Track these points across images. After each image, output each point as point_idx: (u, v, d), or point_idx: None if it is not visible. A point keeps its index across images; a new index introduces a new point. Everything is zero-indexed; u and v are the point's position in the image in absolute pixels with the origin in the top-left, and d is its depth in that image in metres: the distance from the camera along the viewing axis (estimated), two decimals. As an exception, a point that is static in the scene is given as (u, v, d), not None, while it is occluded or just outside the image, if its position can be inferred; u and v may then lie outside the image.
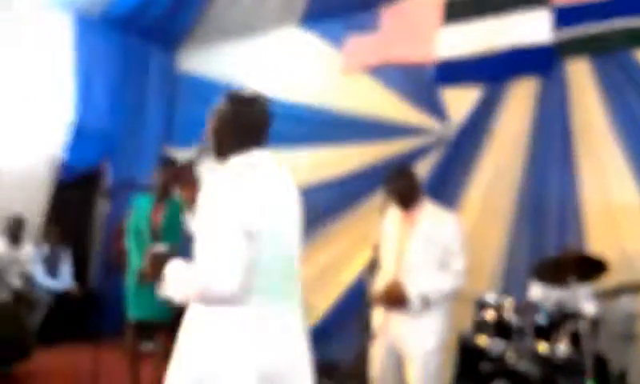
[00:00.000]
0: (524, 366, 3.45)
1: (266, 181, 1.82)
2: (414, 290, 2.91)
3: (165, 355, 3.99)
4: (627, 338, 3.93)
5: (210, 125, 1.93)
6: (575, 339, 3.36)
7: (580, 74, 4.43)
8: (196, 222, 1.82)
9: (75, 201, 6.53)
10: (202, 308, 1.76)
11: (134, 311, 3.98)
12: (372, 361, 3.01)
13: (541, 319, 3.54)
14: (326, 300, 5.58)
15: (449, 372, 3.75)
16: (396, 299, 2.94)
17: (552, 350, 3.41)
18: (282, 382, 1.76)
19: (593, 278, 3.65)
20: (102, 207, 6.63)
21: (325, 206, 5.59)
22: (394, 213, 3.15)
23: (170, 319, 3.98)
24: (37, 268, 5.78)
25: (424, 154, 5.09)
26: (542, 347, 3.45)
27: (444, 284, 2.95)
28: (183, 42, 6.91)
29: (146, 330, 4.08)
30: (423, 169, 4.93)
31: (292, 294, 1.87)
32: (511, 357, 3.52)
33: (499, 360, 3.59)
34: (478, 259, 4.02)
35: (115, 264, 5.40)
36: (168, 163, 4.29)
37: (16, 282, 5.52)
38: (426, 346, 2.92)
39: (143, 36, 6.69)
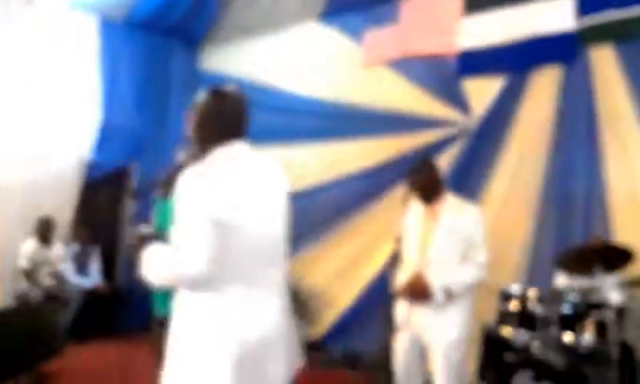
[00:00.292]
0: (549, 356, 3.43)
1: (243, 173, 1.91)
2: (436, 282, 2.92)
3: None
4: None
5: (191, 119, 2.00)
6: (601, 329, 3.33)
7: (604, 62, 4.35)
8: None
9: (103, 200, 6.68)
10: (184, 296, 1.87)
11: (161, 307, 4.05)
12: (395, 353, 3.03)
13: (566, 309, 3.51)
14: (350, 292, 5.61)
15: (473, 363, 3.74)
16: (419, 292, 2.95)
17: (577, 339, 3.38)
18: (257, 366, 1.84)
19: (618, 267, 3.60)
20: (129, 206, 6.75)
21: (347, 199, 5.64)
22: (416, 206, 3.15)
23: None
24: (67, 267, 5.93)
25: (446, 146, 5.07)
26: (568, 337, 3.42)
27: (467, 276, 2.95)
28: (205, 40, 7.00)
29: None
30: (446, 161, 4.91)
31: (269, 282, 1.93)
32: (536, 347, 3.50)
33: (524, 350, 3.57)
34: (502, 250, 4.02)
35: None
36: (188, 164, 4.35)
37: (47, 281, 5.67)
38: (449, 338, 2.93)
39: (166, 36, 6.80)
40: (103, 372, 4.70)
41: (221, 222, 1.77)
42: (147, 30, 6.61)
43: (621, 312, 3.42)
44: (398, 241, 2.96)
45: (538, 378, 3.36)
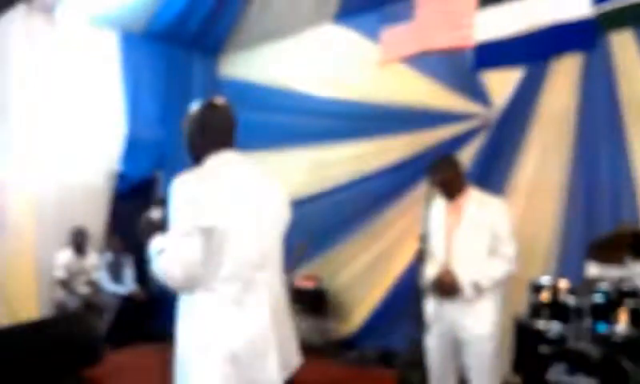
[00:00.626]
0: (583, 346, 3.43)
1: (231, 179, 1.99)
2: (465, 277, 2.94)
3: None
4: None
5: (184, 130, 2.11)
6: (635, 317, 3.32)
7: (625, 47, 4.28)
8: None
9: (132, 210, 6.81)
10: (184, 297, 1.99)
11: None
12: (428, 350, 3.06)
13: (598, 299, 3.50)
14: (379, 290, 5.66)
15: (506, 356, 3.76)
16: (447, 288, 2.98)
17: (611, 329, 3.37)
18: (247, 367, 1.91)
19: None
20: (156, 215, 6.87)
21: (372, 198, 5.68)
22: (439, 202, 3.18)
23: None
24: (102, 275, 6.09)
25: (468, 139, 5.07)
26: (601, 327, 3.41)
27: (495, 270, 2.97)
28: (224, 47, 7.08)
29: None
30: (468, 155, 4.92)
31: (260, 285, 1.98)
32: (570, 338, 3.51)
33: (558, 342, 3.58)
34: (530, 242, 4.03)
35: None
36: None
37: (84, 290, 5.83)
38: (481, 332, 2.95)
39: (185, 46, 6.90)
40: (142, 376, 4.82)
41: (208, 226, 1.86)
42: (167, 41, 6.72)
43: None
44: (423, 238, 2.98)
45: (572, 369, 3.37)
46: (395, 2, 5.55)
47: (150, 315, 6.24)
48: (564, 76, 4.60)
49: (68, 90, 6.06)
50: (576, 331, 3.51)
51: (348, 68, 5.95)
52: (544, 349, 3.63)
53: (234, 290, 1.92)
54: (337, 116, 5.90)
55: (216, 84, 7.27)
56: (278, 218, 2.13)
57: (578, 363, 3.38)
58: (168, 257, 1.90)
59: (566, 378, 3.41)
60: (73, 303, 5.65)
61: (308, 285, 5.93)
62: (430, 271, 3.03)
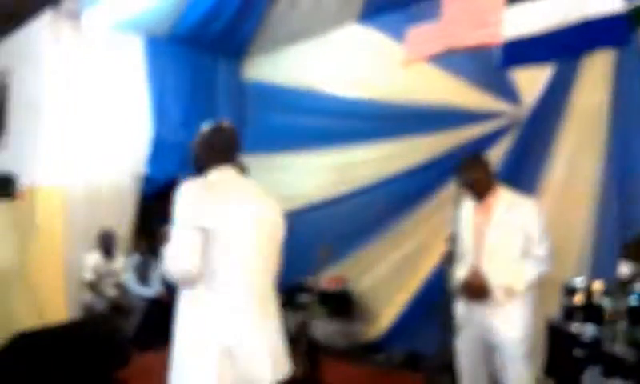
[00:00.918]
0: (619, 350, 3.32)
1: (230, 191, 2.26)
2: (495, 280, 2.88)
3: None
4: None
5: (194, 147, 2.42)
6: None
7: (658, 41, 4.17)
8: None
9: (158, 212, 6.87)
10: (183, 293, 2.20)
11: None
12: (459, 353, 3.00)
13: (633, 301, 3.39)
14: (406, 292, 5.59)
15: (538, 360, 3.66)
16: (477, 290, 2.92)
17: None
18: (241, 361, 2.09)
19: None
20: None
21: (398, 199, 5.61)
22: (468, 203, 3.11)
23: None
24: (129, 277, 6.14)
25: (497, 139, 4.97)
26: (638, 330, 3.30)
27: (527, 272, 2.90)
28: (248, 50, 7.09)
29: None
30: (497, 154, 4.82)
31: (254, 288, 2.20)
32: (604, 341, 3.40)
33: (592, 345, 3.47)
34: (562, 243, 3.91)
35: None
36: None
37: (112, 292, 5.89)
38: (514, 336, 2.88)
39: (210, 49, 6.94)
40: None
41: (207, 227, 2.10)
42: (191, 44, 6.76)
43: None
44: (451, 240, 2.92)
45: (608, 373, 3.26)
46: (420, 1, 5.49)
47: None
48: (595, 73, 4.47)
49: (95, 94, 6.15)
50: (611, 334, 3.39)
51: (373, 68, 5.90)
52: (578, 352, 3.51)
53: (230, 291, 2.13)
54: (362, 117, 5.86)
55: (240, 87, 7.31)
56: (274, 229, 2.37)
57: (613, 367, 3.27)
58: (168, 254, 2.12)
59: (600, 381, 3.30)
60: (100, 305, 5.71)
61: (334, 287, 5.89)
62: (460, 273, 2.97)
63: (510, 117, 4.93)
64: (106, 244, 5.89)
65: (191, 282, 2.12)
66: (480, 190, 3.02)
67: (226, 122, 2.45)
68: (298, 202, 6.26)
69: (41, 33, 6.04)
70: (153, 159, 6.46)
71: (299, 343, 4.46)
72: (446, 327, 2.86)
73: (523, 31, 4.71)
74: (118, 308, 5.78)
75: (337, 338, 5.93)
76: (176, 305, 2.29)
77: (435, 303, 4.95)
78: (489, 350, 2.99)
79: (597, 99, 4.44)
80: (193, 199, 2.14)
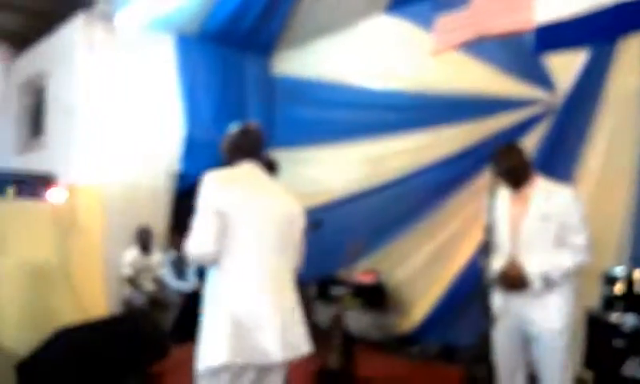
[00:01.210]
0: (662, 340, 3.24)
1: (244, 181, 2.47)
2: (533, 269, 2.83)
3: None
4: None
5: (223, 144, 2.65)
6: None
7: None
8: None
9: (192, 208, 6.98)
10: (209, 271, 2.42)
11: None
12: (496, 345, 2.96)
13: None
14: (440, 284, 5.55)
15: (577, 351, 3.60)
16: (515, 280, 2.88)
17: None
18: (248, 331, 2.28)
19: None
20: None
21: (432, 189, 5.57)
22: (504, 192, 3.07)
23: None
24: (166, 272, 6.26)
25: (531, 126, 4.87)
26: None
27: (565, 261, 2.84)
28: (276, 45, 7.13)
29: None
30: (532, 142, 4.73)
31: (267, 269, 2.39)
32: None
33: (633, 336, 3.39)
34: (601, 232, 3.82)
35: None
36: (265, 164, 4.46)
37: (150, 287, 6.02)
38: (552, 327, 2.83)
39: (239, 45, 6.99)
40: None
41: (224, 211, 2.31)
42: (220, 41, 6.83)
43: None
44: (488, 230, 2.88)
45: (651, 363, 3.19)
46: (449, -12, 5.42)
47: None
48: (632, 56, 4.34)
49: (129, 93, 6.28)
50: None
51: (402, 59, 5.86)
52: (618, 343, 3.45)
53: (244, 271, 2.34)
54: (392, 108, 5.83)
55: (269, 82, 7.35)
56: (290, 222, 2.54)
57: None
58: (190, 236, 2.34)
59: (643, 373, 3.23)
60: (139, 300, 5.84)
61: (367, 279, 5.89)
62: (496, 264, 2.93)
63: (544, 104, 4.83)
64: (143, 240, 6.02)
65: (210, 261, 2.35)
66: (516, 178, 2.97)
67: (254, 124, 2.67)
68: (330, 196, 6.28)
69: (75, 35, 6.19)
70: (186, 156, 6.57)
71: (334, 336, 4.48)
72: (484, 318, 2.82)
73: (556, 16, 4.60)
74: (156, 302, 5.91)
75: (371, 331, 5.94)
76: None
77: (470, 294, 4.93)
78: (526, 342, 2.94)
79: (633, 84, 4.31)
80: (213, 187, 2.36)
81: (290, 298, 2.47)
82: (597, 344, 3.62)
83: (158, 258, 6.17)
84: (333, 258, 5.80)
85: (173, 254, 6.41)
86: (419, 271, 5.80)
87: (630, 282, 3.47)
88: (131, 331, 4.60)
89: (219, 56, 6.96)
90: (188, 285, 6.36)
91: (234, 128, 2.64)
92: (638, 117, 4.28)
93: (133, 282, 5.90)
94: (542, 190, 2.96)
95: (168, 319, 5.85)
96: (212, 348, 2.27)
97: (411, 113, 5.72)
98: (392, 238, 5.93)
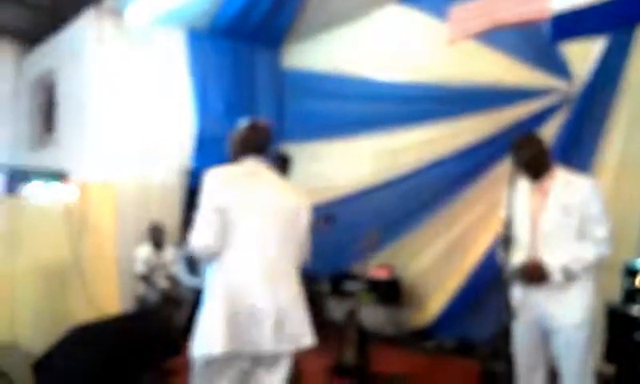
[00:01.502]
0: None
1: (246, 177, 2.53)
2: (553, 262, 2.76)
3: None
4: None
5: (230, 140, 2.67)
6: None
7: None
8: None
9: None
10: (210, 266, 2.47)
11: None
12: (515, 340, 2.90)
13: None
14: (456, 278, 5.49)
15: (598, 345, 3.52)
16: (535, 274, 2.81)
17: None
18: (245, 324, 2.35)
19: None
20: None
21: (447, 181, 5.51)
22: (523, 184, 2.99)
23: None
24: (179, 269, 6.25)
25: (548, 116, 4.79)
26: None
27: (586, 253, 2.76)
28: (287, 38, 7.07)
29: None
30: (550, 132, 4.65)
31: (264, 261, 2.44)
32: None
33: (656, 329, 3.32)
34: (621, 223, 3.72)
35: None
36: (277, 158, 4.43)
37: (163, 283, 6.00)
38: (572, 321, 2.76)
39: (249, 39, 6.95)
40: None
41: (222, 208, 2.38)
42: (231, 36, 6.79)
43: None
44: (507, 223, 2.80)
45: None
46: (463, -22, 5.31)
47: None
48: (650, 44, 4.24)
49: (139, 89, 6.26)
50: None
51: (415, 49, 5.77)
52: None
53: (242, 264, 2.40)
54: (406, 100, 5.75)
55: (280, 75, 7.30)
56: (293, 216, 2.57)
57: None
58: (192, 231, 2.41)
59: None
60: (153, 297, 5.83)
61: (382, 274, 5.84)
62: (516, 257, 2.86)
63: (561, 93, 4.74)
64: (156, 237, 6.00)
65: (212, 255, 2.41)
66: (537, 169, 2.89)
67: (262, 120, 2.72)
68: (342, 190, 6.23)
69: (84, 31, 6.18)
70: (197, 152, 6.55)
71: (348, 332, 4.44)
72: (504, 313, 2.76)
73: (573, 3, 4.49)
74: (170, 299, 5.89)
75: (386, 326, 5.89)
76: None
77: (487, 288, 4.87)
78: (546, 336, 2.88)
79: (654, 71, 4.21)
80: (214, 184, 2.42)
81: (291, 292, 2.51)
82: (618, 337, 3.56)
83: (171, 255, 6.15)
84: (346, 253, 5.77)
85: (186, 250, 6.39)
86: (434, 265, 5.73)
87: (652, 274, 3.38)
88: (145, 329, 4.59)
89: (230, 50, 6.92)
90: (201, 281, 6.34)
91: (242, 123, 2.67)
92: (659, 105, 4.18)
93: (146, 279, 5.89)
94: (562, 180, 2.88)
95: (182, 316, 5.83)
96: (207, 337, 2.36)
97: (425, 104, 5.64)
98: (406, 232, 5.87)
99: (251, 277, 2.41)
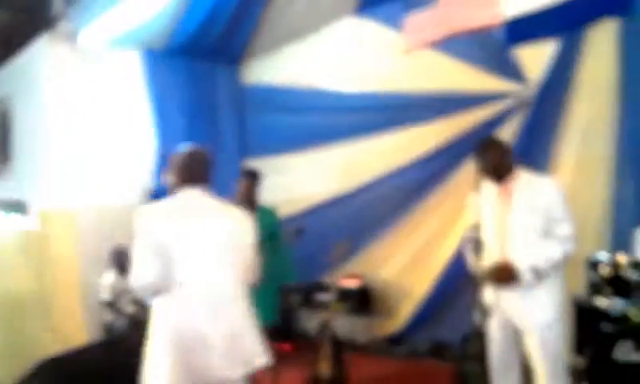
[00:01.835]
0: (651, 322, 3.27)
1: (185, 209, 2.52)
2: (522, 263, 2.83)
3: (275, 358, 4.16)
4: None
5: (168, 169, 2.66)
6: None
7: (663, 6, 4.10)
8: None
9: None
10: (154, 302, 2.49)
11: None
12: (489, 340, 2.95)
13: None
14: (425, 282, 5.54)
15: (568, 339, 3.61)
16: (505, 275, 2.87)
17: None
18: (191, 354, 2.33)
19: None
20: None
21: (410, 188, 5.58)
22: (487, 187, 3.06)
23: (276, 325, 4.14)
24: (146, 292, 6.12)
25: (505, 119, 4.91)
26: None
27: (553, 252, 2.85)
28: (246, 54, 7.05)
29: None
30: (507, 135, 4.74)
31: (207, 290, 2.44)
32: (634, 315, 3.35)
33: (622, 319, 3.42)
34: (580, 219, 3.84)
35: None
36: (248, 174, 4.42)
37: (130, 309, 5.86)
38: (543, 319, 2.84)
39: (208, 57, 6.90)
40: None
41: (162, 245, 2.37)
42: (189, 54, 6.72)
43: None
44: (476, 227, 2.86)
45: (641, 346, 3.21)
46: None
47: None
48: (601, 44, 4.40)
49: (97, 113, 6.14)
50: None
51: (374, 60, 5.84)
52: (607, 327, 3.47)
53: (189, 297, 2.39)
54: (367, 110, 5.81)
55: (241, 91, 7.27)
56: (237, 239, 2.59)
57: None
58: (131, 270, 2.41)
59: (634, 355, 3.25)
60: (121, 324, 5.68)
61: (352, 283, 5.86)
62: (486, 259, 2.92)
63: (517, 97, 4.87)
64: (120, 261, 5.85)
65: (156, 293, 2.41)
66: (500, 172, 2.97)
67: (201, 148, 2.70)
68: (309, 202, 6.24)
69: (39, 57, 6.04)
70: (159, 172, 6.44)
71: (323, 343, 4.43)
72: (477, 315, 2.81)
73: (525, 7, 4.64)
74: (139, 323, 5.75)
75: (358, 335, 5.90)
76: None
77: (456, 290, 4.94)
78: (518, 336, 2.94)
79: (604, 72, 4.37)
80: (150, 221, 2.42)
81: (239, 315, 2.52)
82: (586, 330, 3.64)
83: (137, 279, 6.03)
84: (316, 264, 5.77)
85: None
86: (403, 271, 5.79)
87: (615, 266, 3.50)
88: (112, 356, 4.48)
89: (188, 69, 6.85)
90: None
91: (180, 151, 2.65)
92: (612, 103, 4.34)
93: (112, 305, 5.74)
94: (526, 182, 2.97)
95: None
96: (156, 379, 2.35)
97: (386, 114, 5.70)
98: (374, 241, 5.91)
99: (197, 308, 2.40)
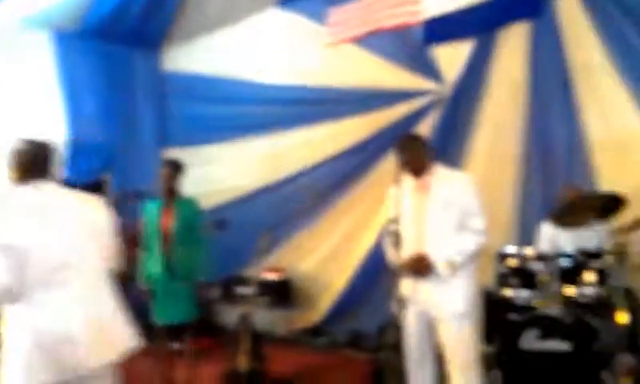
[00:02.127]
0: (553, 311, 3.48)
1: (35, 205, 2.36)
2: (438, 255, 2.91)
3: (194, 353, 4.06)
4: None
5: (9, 163, 2.46)
6: (601, 278, 3.38)
7: (572, 12, 4.34)
8: None
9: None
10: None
11: (161, 316, 4.01)
12: (405, 331, 3.02)
13: (565, 262, 3.56)
14: (345, 274, 5.63)
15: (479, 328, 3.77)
16: (421, 267, 2.94)
17: (580, 291, 3.43)
18: (54, 352, 2.24)
19: (612, 215, 3.66)
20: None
21: (331, 181, 5.62)
22: (407, 181, 3.13)
23: (195, 319, 4.05)
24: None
25: (423, 116, 5.07)
26: (570, 290, 3.47)
27: (467, 245, 2.95)
28: (165, 41, 6.79)
29: (172, 331, 4.12)
30: (423, 131, 4.89)
31: (64, 284, 2.32)
32: (539, 304, 3.55)
33: (528, 309, 3.61)
34: (490, 213, 4.02)
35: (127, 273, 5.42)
36: (169, 164, 4.28)
37: None
38: (456, 310, 2.93)
39: (124, 41, 6.57)
40: None
41: (12, 246, 2.21)
42: (104, 37, 6.37)
43: (621, 258, 3.46)
44: (395, 220, 2.92)
45: (545, 334, 3.40)
46: (340, -18, 5.44)
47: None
48: (513, 46, 4.64)
49: (4, 95, 5.71)
50: (545, 297, 3.55)
51: (296, 52, 5.81)
52: (514, 316, 3.66)
53: (38, 293, 2.25)
54: (288, 102, 5.77)
55: (161, 79, 7.00)
56: (95, 227, 2.51)
57: (549, 328, 3.42)
58: None
59: (538, 343, 3.45)
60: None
61: (272, 276, 5.83)
62: (403, 252, 2.98)
63: (434, 94, 5.03)
64: None
65: (10, 298, 2.24)
66: (417, 167, 3.04)
67: (43, 139, 2.54)
68: (232, 194, 6.13)
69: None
70: (71, 160, 6.09)
71: (242, 338, 4.37)
72: (393, 306, 2.86)
73: (443, 8, 4.78)
74: None
75: (278, 327, 5.89)
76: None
77: (374, 282, 5.04)
78: (433, 326, 3.02)
79: (515, 74, 4.62)
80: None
81: (105, 304, 2.48)
82: (494, 319, 3.82)
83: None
84: (238, 257, 5.70)
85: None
86: (323, 263, 5.84)
87: (522, 258, 3.68)
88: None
89: (103, 53, 6.49)
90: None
91: (21, 144, 2.48)
92: (522, 103, 4.58)
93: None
94: (442, 177, 3.05)
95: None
96: (19, 378, 2.23)
97: (308, 107, 5.70)
98: (296, 233, 5.91)
99: (58, 302, 2.30)
